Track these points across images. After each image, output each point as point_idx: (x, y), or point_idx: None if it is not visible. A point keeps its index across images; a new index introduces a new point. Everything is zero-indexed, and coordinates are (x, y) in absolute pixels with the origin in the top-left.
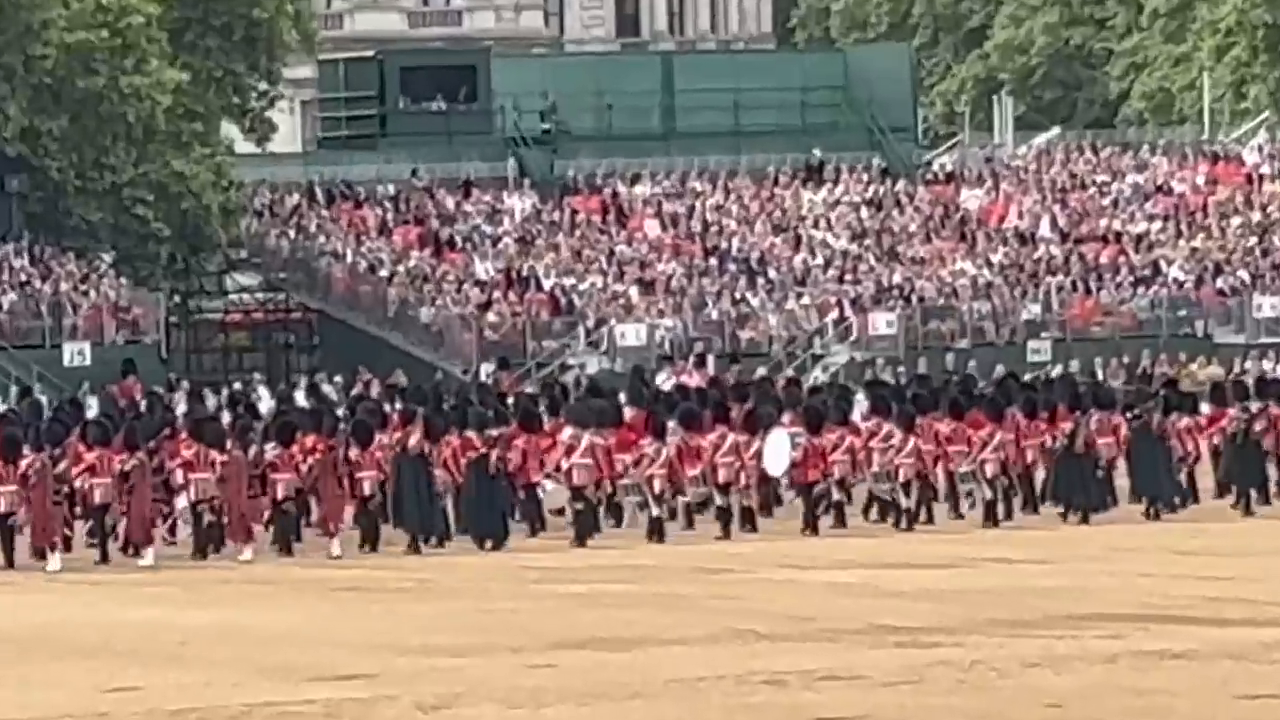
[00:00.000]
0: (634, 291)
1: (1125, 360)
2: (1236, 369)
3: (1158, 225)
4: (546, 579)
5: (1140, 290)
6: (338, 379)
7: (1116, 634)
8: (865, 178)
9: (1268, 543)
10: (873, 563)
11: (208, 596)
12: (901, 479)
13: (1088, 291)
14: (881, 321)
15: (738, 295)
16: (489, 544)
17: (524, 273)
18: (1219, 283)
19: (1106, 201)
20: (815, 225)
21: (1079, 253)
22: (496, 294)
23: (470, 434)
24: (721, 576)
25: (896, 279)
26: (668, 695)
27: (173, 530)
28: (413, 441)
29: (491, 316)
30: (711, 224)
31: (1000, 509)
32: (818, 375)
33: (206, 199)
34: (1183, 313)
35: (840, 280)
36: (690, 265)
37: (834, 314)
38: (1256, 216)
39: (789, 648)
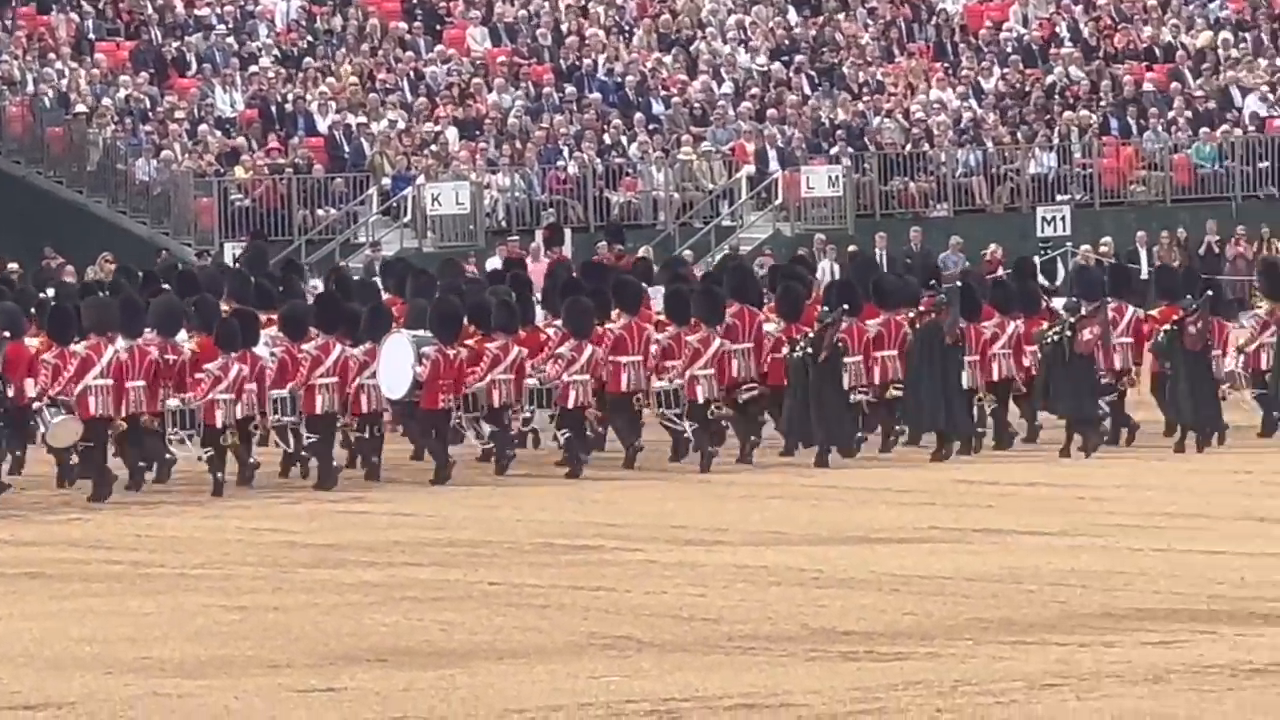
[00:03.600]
0: (452, 134)
1: (1181, 235)
2: None
3: (1227, 36)
4: (324, 561)
5: (1202, 132)
6: (13, 266)
7: (1170, 639)
8: None
9: None
10: (809, 537)
11: None
12: (571, 404)
13: (1125, 134)
14: (820, 179)
15: (607, 140)
16: None
17: (289, 107)
18: None
19: (1152, 0)
20: (721, 36)
21: (1112, 76)
22: (247, 139)
23: None
24: (582, 557)
25: (842, 116)
26: None
27: None
28: None
29: (240, 172)
30: (568, 34)
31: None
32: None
33: None
34: (1265, 164)
35: (759, 117)
36: (536, 95)
37: (749, 168)
38: None
39: (684, 662)
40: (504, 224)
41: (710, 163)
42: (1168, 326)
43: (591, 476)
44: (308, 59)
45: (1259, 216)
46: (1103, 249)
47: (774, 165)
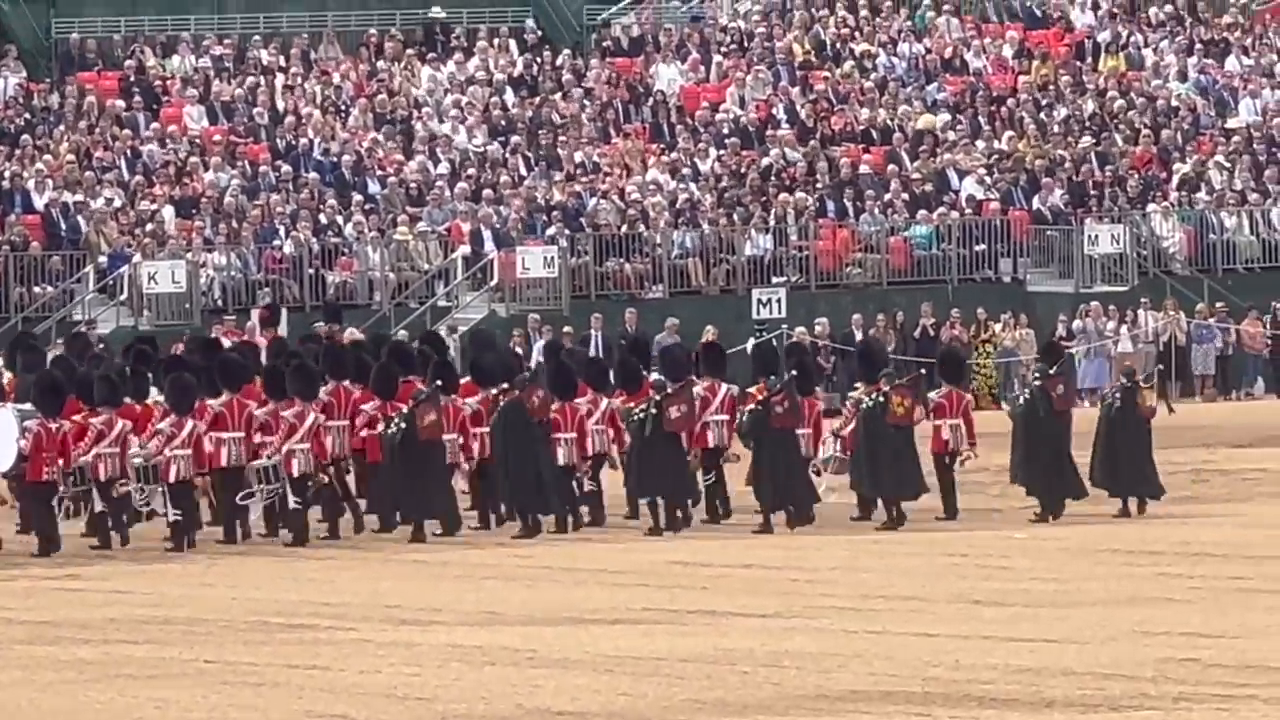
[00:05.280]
0: (168, 212)
1: (898, 316)
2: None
3: (944, 118)
4: (40, 638)
5: (919, 214)
6: None
7: None
8: (512, 46)
9: (1092, 584)
10: (524, 617)
11: None
12: (174, 479)
13: (841, 216)
14: (536, 259)
15: (323, 219)
16: None
17: (5, 184)
18: (1035, 204)
19: (869, 83)
20: (438, 116)
21: (829, 158)
22: None
23: None
24: (297, 635)
25: (558, 196)
26: None
27: None
28: None
29: None
30: (284, 113)
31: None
32: (444, 335)
33: None
34: (981, 247)
35: (474, 198)
36: (252, 174)
37: (465, 248)
38: (1090, 107)
39: None
40: (220, 303)
41: (426, 243)
42: (752, 406)
43: (306, 555)
44: (25, 136)
45: (975, 299)
46: (818, 330)
47: (489, 246)
